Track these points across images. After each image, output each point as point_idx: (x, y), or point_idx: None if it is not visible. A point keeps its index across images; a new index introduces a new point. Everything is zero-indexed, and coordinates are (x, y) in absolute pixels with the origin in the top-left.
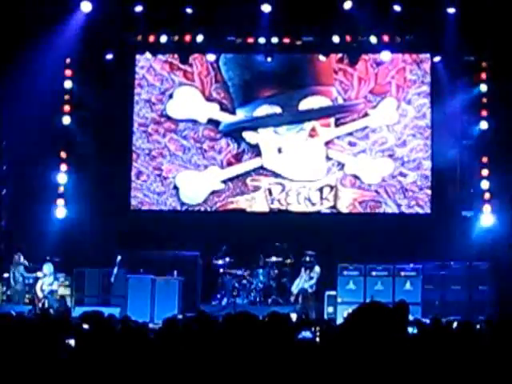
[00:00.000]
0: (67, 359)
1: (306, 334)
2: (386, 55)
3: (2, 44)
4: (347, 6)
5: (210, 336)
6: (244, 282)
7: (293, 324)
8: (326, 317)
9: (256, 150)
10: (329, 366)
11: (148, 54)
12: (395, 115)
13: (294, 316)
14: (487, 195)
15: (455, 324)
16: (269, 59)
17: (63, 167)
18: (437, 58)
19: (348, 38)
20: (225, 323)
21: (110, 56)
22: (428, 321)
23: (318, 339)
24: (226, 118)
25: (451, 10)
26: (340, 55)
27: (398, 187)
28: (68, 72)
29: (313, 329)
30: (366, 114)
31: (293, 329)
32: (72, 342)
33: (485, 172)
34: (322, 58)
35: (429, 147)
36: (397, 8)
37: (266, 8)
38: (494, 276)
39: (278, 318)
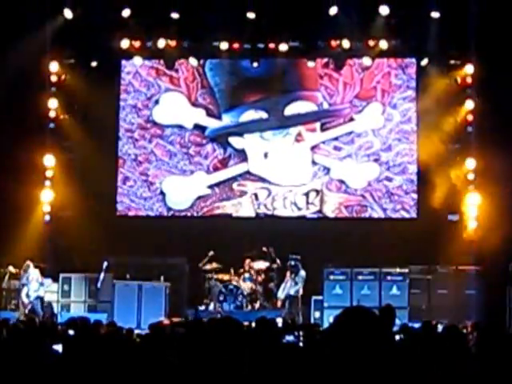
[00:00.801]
0: (53, 365)
1: (290, 338)
2: (367, 60)
3: None
4: (333, 11)
5: (195, 341)
6: (231, 287)
7: (279, 329)
8: (312, 322)
9: (242, 155)
10: (312, 370)
11: (134, 60)
12: (380, 120)
13: (279, 321)
14: (473, 199)
15: (440, 327)
16: (255, 64)
17: (49, 172)
18: (424, 62)
19: (333, 42)
20: (208, 328)
21: (95, 62)
22: (416, 325)
23: (301, 344)
24: (212, 124)
25: (436, 14)
26: (325, 60)
27: (384, 191)
28: (54, 77)
29: (296, 333)
30: (351, 119)
31: (279, 333)
32: (58, 347)
33: (471, 176)
34: (310, 64)
35: (414, 151)
36: (382, 13)
37: (252, 14)
38: (480, 280)
39: (265, 322)
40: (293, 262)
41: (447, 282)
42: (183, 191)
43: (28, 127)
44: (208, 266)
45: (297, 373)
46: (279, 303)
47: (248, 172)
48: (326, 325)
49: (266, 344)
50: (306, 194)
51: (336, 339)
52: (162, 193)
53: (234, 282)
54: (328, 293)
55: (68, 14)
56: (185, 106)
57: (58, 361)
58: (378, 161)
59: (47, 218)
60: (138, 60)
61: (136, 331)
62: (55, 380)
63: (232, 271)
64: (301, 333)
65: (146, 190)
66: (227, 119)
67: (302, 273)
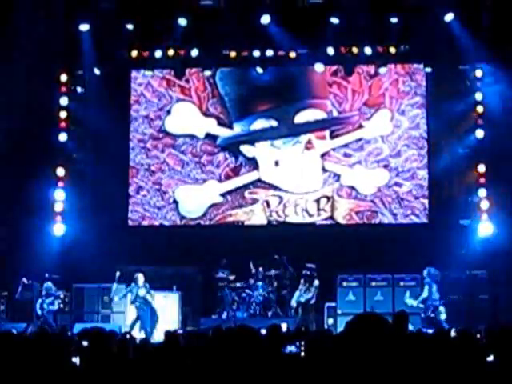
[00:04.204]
0: (67, 377)
1: (291, 348)
2: (382, 69)
3: None
4: (335, 21)
5: (209, 350)
6: (244, 295)
7: (284, 335)
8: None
9: (253, 163)
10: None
11: (145, 71)
12: (389, 126)
13: (284, 326)
14: (484, 204)
15: (453, 332)
16: (259, 70)
17: (61, 184)
18: (428, 69)
19: (343, 49)
20: (223, 338)
21: (105, 72)
22: (429, 331)
23: (302, 353)
24: (223, 133)
25: (447, 19)
26: (334, 68)
27: (394, 197)
28: (64, 89)
29: (297, 343)
30: (360, 126)
31: (285, 340)
32: (75, 360)
33: (482, 180)
34: (318, 67)
35: (423, 157)
36: (391, 19)
37: (261, 21)
38: (493, 284)
39: (275, 330)
40: (308, 272)
41: (460, 287)
42: (196, 200)
43: (39, 139)
44: (220, 275)
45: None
46: (292, 311)
47: (259, 180)
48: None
49: (271, 351)
50: (317, 201)
51: (347, 346)
52: (175, 201)
53: (247, 290)
54: (341, 299)
55: (85, 27)
56: (196, 116)
57: (77, 373)
58: (387, 167)
59: (60, 228)
60: (146, 71)
61: (150, 341)
62: None
63: (245, 279)
64: (302, 342)
65: (159, 199)
66: (238, 128)
67: (316, 282)
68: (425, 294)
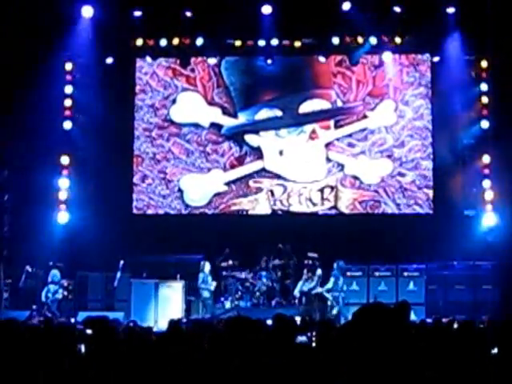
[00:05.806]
0: (72, 365)
1: (302, 338)
2: (387, 56)
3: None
4: (346, 7)
5: (212, 339)
6: (247, 284)
7: (296, 327)
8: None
9: (258, 153)
10: (324, 371)
11: (149, 59)
12: (393, 117)
13: (297, 318)
14: (489, 194)
15: (456, 324)
16: (269, 61)
17: (65, 172)
18: (436, 58)
19: (348, 39)
20: (226, 327)
21: (110, 61)
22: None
23: (314, 344)
24: (228, 122)
25: (451, 10)
26: (339, 58)
27: (397, 187)
28: (69, 77)
29: (308, 333)
30: (364, 116)
31: (295, 332)
32: (81, 347)
33: (486, 171)
34: (321, 59)
35: (427, 147)
36: (397, 9)
37: (266, 10)
38: (497, 275)
39: (283, 320)
40: (310, 261)
41: (464, 278)
42: (201, 188)
43: (44, 126)
44: (224, 264)
45: (309, 373)
46: (296, 300)
47: (264, 169)
48: (342, 321)
49: (282, 342)
50: (321, 190)
51: (354, 336)
52: (179, 190)
53: (251, 280)
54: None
55: (88, 12)
56: (201, 105)
57: (76, 361)
58: (391, 157)
59: (64, 218)
60: (150, 59)
61: (153, 329)
62: (74, 380)
63: (249, 268)
64: (313, 333)
65: (164, 187)
66: (243, 117)
67: (319, 271)
68: (329, 285)
